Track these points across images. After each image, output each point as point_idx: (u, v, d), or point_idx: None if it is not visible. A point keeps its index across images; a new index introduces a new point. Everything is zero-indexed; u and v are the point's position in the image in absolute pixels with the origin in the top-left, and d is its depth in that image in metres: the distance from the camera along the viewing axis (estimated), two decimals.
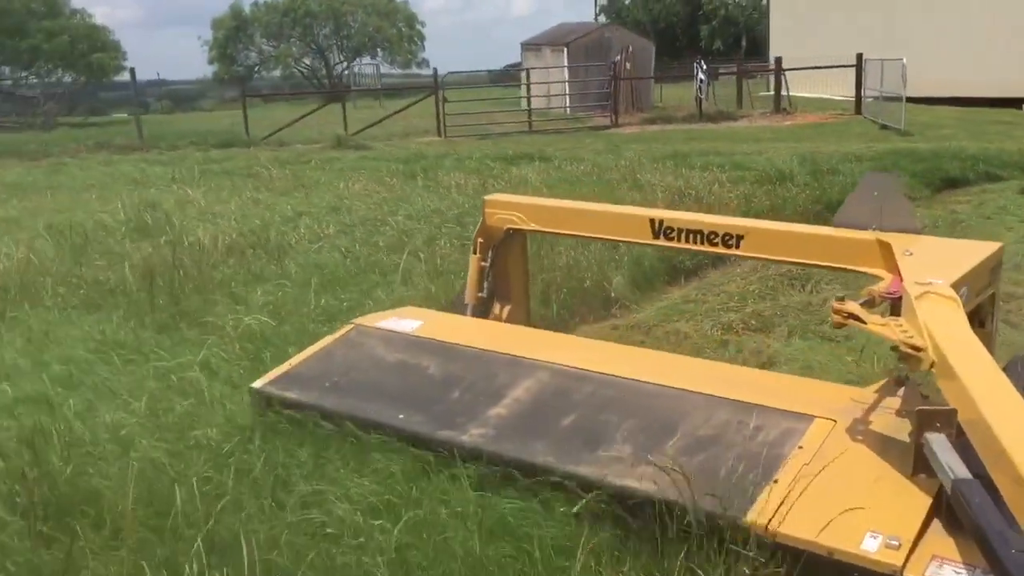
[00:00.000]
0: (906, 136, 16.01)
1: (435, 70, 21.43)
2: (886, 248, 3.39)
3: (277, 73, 56.79)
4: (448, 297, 5.18)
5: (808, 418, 2.97)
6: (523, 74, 26.00)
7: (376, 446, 3.28)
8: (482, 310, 4.45)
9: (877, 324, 2.79)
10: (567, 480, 2.85)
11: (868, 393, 3.13)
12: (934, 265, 3.15)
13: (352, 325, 4.14)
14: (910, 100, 17.72)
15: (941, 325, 2.70)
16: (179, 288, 5.76)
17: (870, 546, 2.36)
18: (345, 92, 23.94)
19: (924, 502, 2.49)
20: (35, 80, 35.55)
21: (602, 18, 52.17)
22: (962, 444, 2.44)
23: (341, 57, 57.97)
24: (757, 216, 8.45)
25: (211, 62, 54.49)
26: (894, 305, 3.08)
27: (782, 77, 22.17)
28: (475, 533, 2.82)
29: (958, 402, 2.49)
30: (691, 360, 4.05)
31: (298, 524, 3.02)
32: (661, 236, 3.92)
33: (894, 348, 2.72)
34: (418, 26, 58.38)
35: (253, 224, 7.80)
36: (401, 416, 3.36)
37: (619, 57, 23.91)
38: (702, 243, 3.84)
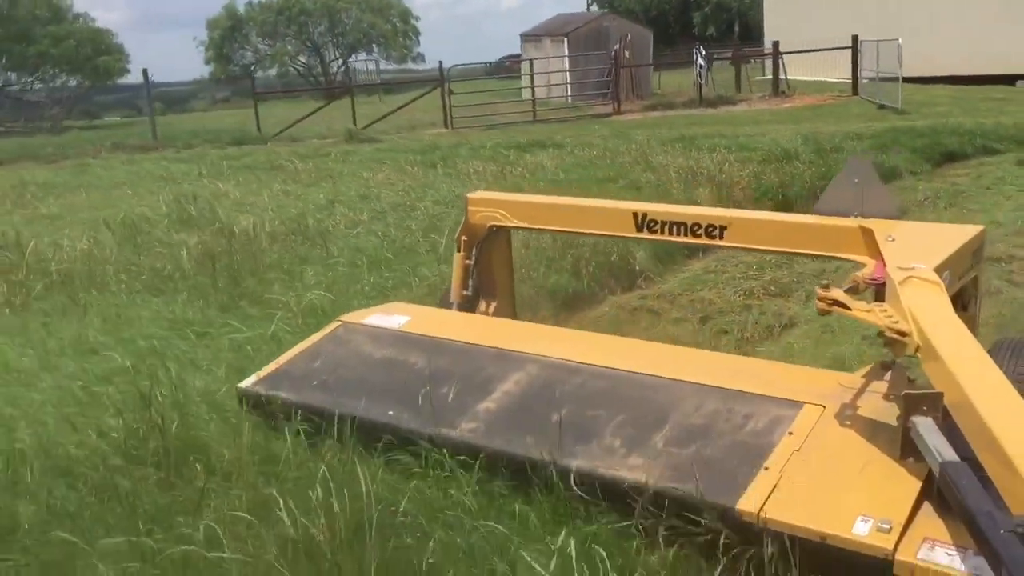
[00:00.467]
0: (903, 115, 16.39)
1: (440, 63, 21.84)
2: (868, 234, 3.40)
3: (273, 72, 57.05)
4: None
5: (797, 404, 2.97)
6: (524, 65, 26.34)
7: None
8: (468, 308, 4.43)
9: (862, 310, 2.81)
10: (558, 473, 2.85)
11: (856, 378, 3.14)
12: (916, 250, 3.16)
13: (339, 322, 4.12)
14: (905, 80, 18.10)
15: (925, 309, 2.72)
16: (236, 271, 6.16)
17: (861, 530, 2.37)
18: (351, 88, 24.14)
19: (914, 485, 2.50)
20: (39, 85, 35.81)
21: (594, 8, 52.41)
22: (949, 426, 2.47)
23: (337, 54, 58.25)
24: (767, 193, 8.91)
25: (208, 62, 54.74)
26: (878, 291, 3.10)
27: (780, 61, 22.52)
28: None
29: (944, 385, 2.51)
30: (680, 349, 4.07)
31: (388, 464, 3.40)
32: (644, 229, 3.92)
33: (879, 334, 2.76)
34: (412, 21, 58.63)
35: (290, 213, 8.20)
36: (390, 412, 3.34)
37: (618, 46, 24.26)
38: (686, 235, 3.83)
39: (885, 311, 2.78)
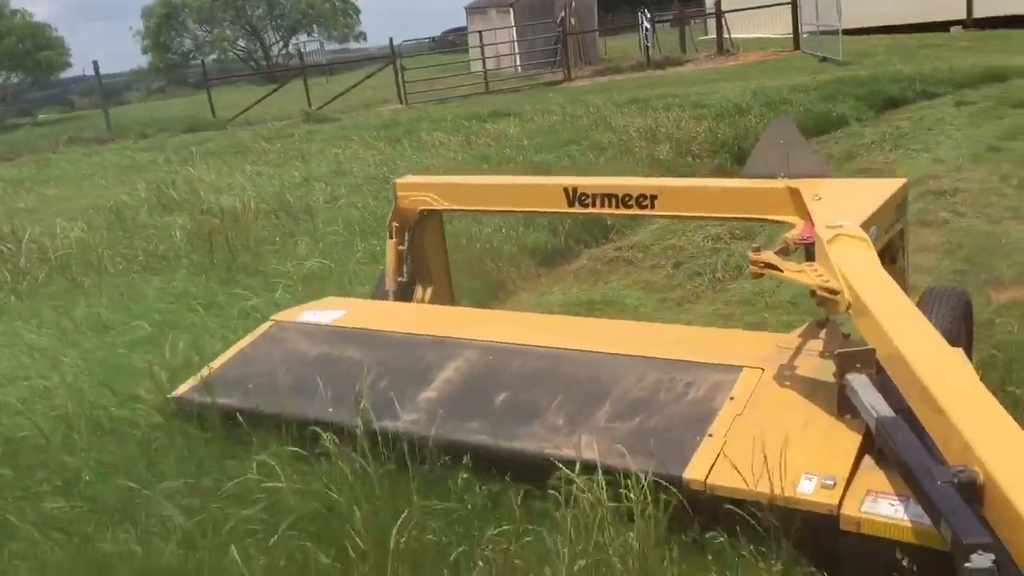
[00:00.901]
0: (845, 66, 16.91)
1: (391, 40, 22.01)
2: (796, 194, 3.40)
3: (212, 58, 56.22)
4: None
5: (736, 369, 2.99)
6: (473, 37, 26.49)
7: None
8: (404, 295, 4.40)
9: (793, 271, 2.83)
10: (504, 456, 2.84)
11: (792, 338, 3.17)
12: (842, 207, 3.18)
13: (270, 322, 4.04)
14: (844, 32, 18.62)
15: (853, 267, 2.75)
16: (231, 247, 6.41)
17: (806, 488, 2.40)
18: (304, 70, 24.10)
19: (854, 440, 2.54)
20: None
21: None
22: (883, 380, 2.51)
23: (277, 37, 57.56)
24: (723, 146, 9.35)
25: (145, 51, 53.75)
26: (808, 250, 3.12)
27: (723, 20, 22.98)
28: None
29: (875, 340, 2.55)
30: (617, 323, 4.10)
31: None
32: (576, 203, 3.90)
33: (812, 293, 2.79)
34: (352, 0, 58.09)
35: (268, 192, 8.43)
36: (330, 409, 3.28)
37: (563, 13, 24.52)
38: (617, 206, 3.83)
39: (816, 270, 2.81)
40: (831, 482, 2.40)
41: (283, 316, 4.09)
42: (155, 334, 5.02)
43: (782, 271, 2.81)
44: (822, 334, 3.13)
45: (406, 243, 4.35)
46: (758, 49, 23.21)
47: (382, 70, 22.49)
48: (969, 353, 3.23)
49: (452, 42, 44.89)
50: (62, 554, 3.00)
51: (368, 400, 3.22)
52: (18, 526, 3.16)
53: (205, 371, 3.75)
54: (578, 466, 2.68)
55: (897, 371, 2.43)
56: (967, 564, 1.83)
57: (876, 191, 3.47)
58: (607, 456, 2.70)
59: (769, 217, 3.55)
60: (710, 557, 2.45)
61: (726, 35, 23.06)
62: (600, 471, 2.63)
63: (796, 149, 3.61)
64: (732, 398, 2.86)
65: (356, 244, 6.27)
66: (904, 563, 2.20)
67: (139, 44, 53.81)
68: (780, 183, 3.50)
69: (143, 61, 55.06)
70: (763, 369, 2.97)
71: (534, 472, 2.75)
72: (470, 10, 28.35)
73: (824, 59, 18.64)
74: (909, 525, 2.23)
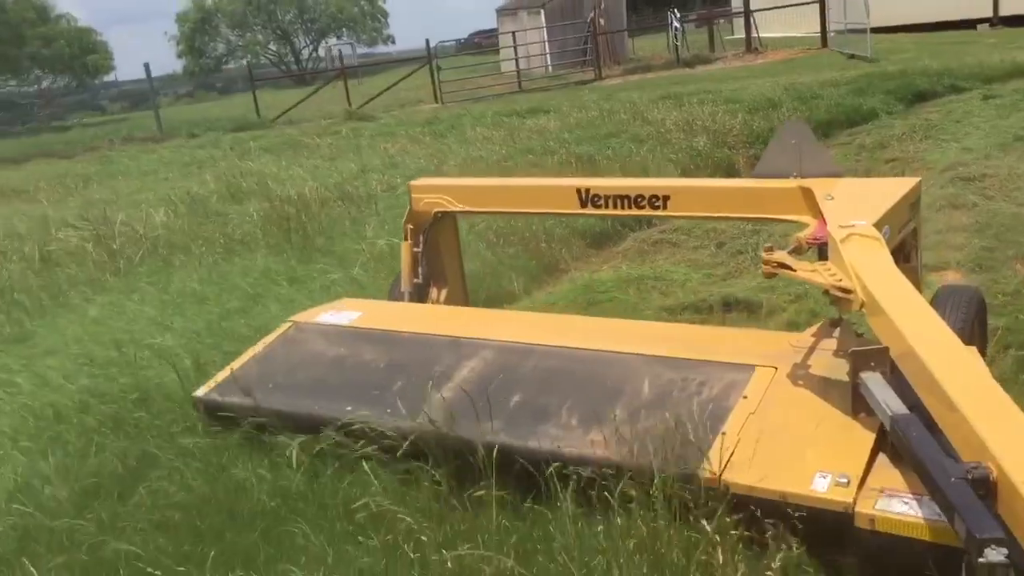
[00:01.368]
0: (873, 62, 17.24)
1: (427, 41, 22.59)
2: (808, 194, 3.40)
3: (244, 62, 57.22)
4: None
5: (749, 368, 3.00)
6: (504, 38, 27.02)
7: None
8: (419, 296, 4.44)
9: (806, 271, 2.83)
10: (520, 455, 2.85)
11: (805, 337, 3.18)
12: (855, 207, 3.18)
13: (290, 323, 4.09)
14: (871, 30, 18.94)
15: (867, 266, 2.75)
16: (304, 230, 6.94)
17: (820, 486, 2.41)
18: (344, 71, 24.78)
19: (868, 438, 2.55)
20: (28, 87, 36.11)
21: None
22: (897, 378, 2.52)
23: (307, 40, 58.53)
24: (759, 138, 9.76)
25: (180, 56, 54.87)
26: (821, 250, 3.12)
27: (751, 19, 23.32)
28: None
29: (889, 339, 2.55)
30: (630, 323, 4.11)
31: None
32: (589, 205, 3.92)
33: (825, 292, 2.80)
34: (380, 3, 58.90)
35: (329, 182, 8.97)
36: (348, 409, 3.29)
37: (593, 13, 24.97)
38: (630, 207, 3.83)
39: (829, 270, 2.81)
40: (845, 480, 2.41)
41: (301, 317, 4.13)
42: (248, 305, 5.56)
43: (795, 271, 2.81)
44: (835, 333, 3.15)
45: (421, 245, 4.39)
46: (785, 48, 23.54)
47: (418, 71, 23.04)
48: (983, 350, 3.24)
49: (478, 44, 45.51)
50: (202, 479, 3.44)
51: (386, 400, 3.30)
52: (160, 457, 3.63)
53: (226, 371, 3.78)
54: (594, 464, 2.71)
55: (911, 369, 2.43)
56: (981, 559, 1.84)
57: (889, 190, 3.47)
58: (623, 455, 2.71)
59: (782, 217, 3.56)
60: (721, 554, 2.47)
61: (754, 34, 23.40)
62: (615, 469, 2.67)
63: (808, 149, 3.62)
64: (745, 397, 2.86)
65: None
66: (918, 560, 2.23)
67: (173, 49, 54.92)
68: (792, 183, 3.50)
69: (168, 66, 56.07)
70: (776, 368, 2.97)
71: (550, 470, 2.77)
72: (501, 12, 28.90)
73: (852, 56, 18.96)
74: (923, 523, 2.25)
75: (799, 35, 24.92)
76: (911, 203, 3.54)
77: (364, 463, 3.18)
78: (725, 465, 2.58)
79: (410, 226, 4.37)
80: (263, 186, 8.86)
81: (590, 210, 3.94)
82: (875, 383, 2.50)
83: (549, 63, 25.81)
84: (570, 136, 10.62)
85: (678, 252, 6.72)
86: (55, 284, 6.30)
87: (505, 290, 5.87)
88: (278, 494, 3.29)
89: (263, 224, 7.31)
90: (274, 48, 57.62)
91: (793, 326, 4.69)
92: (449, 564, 2.62)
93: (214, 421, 3.64)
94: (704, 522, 2.50)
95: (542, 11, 25.83)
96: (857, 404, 2.59)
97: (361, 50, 56.76)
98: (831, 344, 3.08)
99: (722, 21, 30.13)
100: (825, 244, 3.05)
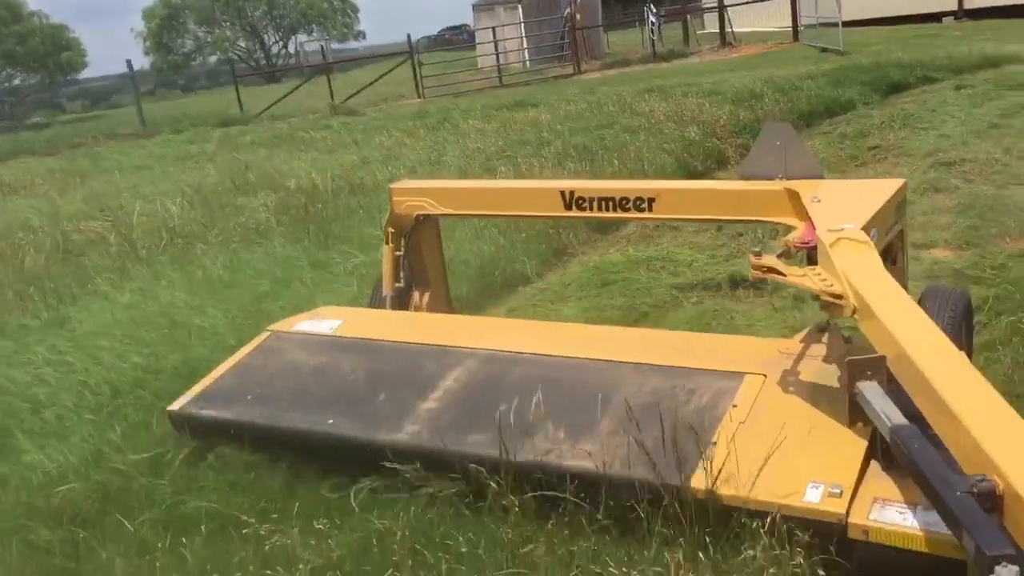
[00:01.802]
0: (845, 55, 17.70)
1: (408, 36, 22.74)
2: (794, 196, 3.37)
3: (213, 59, 56.94)
4: None
5: (739, 375, 2.96)
6: (480, 33, 27.26)
7: None
8: (401, 300, 4.38)
9: (796, 275, 2.79)
10: (508, 468, 2.79)
11: (794, 344, 3.16)
12: (843, 209, 3.15)
13: (268, 332, 3.98)
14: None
15: (858, 270, 2.71)
16: (320, 218, 7.17)
17: (813, 497, 2.38)
18: (328, 67, 24.88)
19: (860, 446, 2.51)
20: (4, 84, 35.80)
21: None
22: (892, 385, 2.48)
23: (277, 36, 58.30)
24: (746, 128, 10.12)
25: (147, 53, 54.39)
26: (810, 254, 3.05)
27: (725, 13, 23.77)
28: None
29: (883, 346, 2.51)
30: (618, 330, 4.10)
31: None
32: (573, 207, 3.88)
33: (815, 298, 2.77)
34: None
35: (332, 174, 9.18)
36: (331, 421, 3.23)
37: (569, 9, 25.29)
38: (615, 209, 3.79)
39: (819, 274, 2.77)
40: (838, 490, 2.38)
41: (280, 326, 4.03)
42: (277, 288, 5.79)
43: (785, 275, 2.79)
44: (823, 339, 3.14)
45: (403, 248, 4.33)
46: (759, 42, 24.00)
47: (400, 65, 23.20)
48: (969, 355, 3.19)
49: (449, 40, 45.70)
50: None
51: (369, 411, 3.24)
52: None
53: (202, 384, 3.68)
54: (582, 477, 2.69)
55: (908, 377, 2.40)
56: None
57: (875, 192, 3.45)
58: (611, 466, 2.68)
59: (768, 219, 3.55)
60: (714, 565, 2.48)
61: (728, 29, 23.86)
62: (604, 481, 2.65)
63: (793, 151, 3.60)
64: (735, 405, 2.83)
65: None
66: (912, 571, 2.24)
67: (139, 45, 54.41)
68: (778, 185, 3.48)
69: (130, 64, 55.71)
70: (765, 375, 2.95)
71: (539, 482, 2.74)
72: (477, 7, 29.12)
73: (824, 49, 19.42)
74: (918, 533, 2.23)
75: (769, 29, 25.42)
76: (897, 205, 3.53)
77: None
78: (717, 476, 2.54)
79: (391, 229, 4.31)
80: (269, 178, 9.06)
81: (574, 212, 3.92)
82: (873, 392, 2.45)
83: (527, 58, 26.10)
84: (563, 127, 10.91)
85: (680, 235, 7.03)
86: (81, 272, 6.48)
87: (519, 273, 6.14)
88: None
89: (276, 213, 7.52)
90: (243, 44, 57.34)
91: (799, 300, 5.01)
92: None
93: (190, 436, 3.53)
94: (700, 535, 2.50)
95: (520, 6, 26.11)
96: (854, 415, 2.54)
97: (332, 46, 56.73)
98: (820, 350, 3.08)
99: (690, 17, 30.63)
100: (814, 248, 2.99)
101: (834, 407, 2.66)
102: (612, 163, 8.02)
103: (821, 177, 3.60)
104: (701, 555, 2.47)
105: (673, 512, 2.55)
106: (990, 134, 8.87)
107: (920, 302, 3.14)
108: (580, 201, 3.87)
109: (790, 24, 23.04)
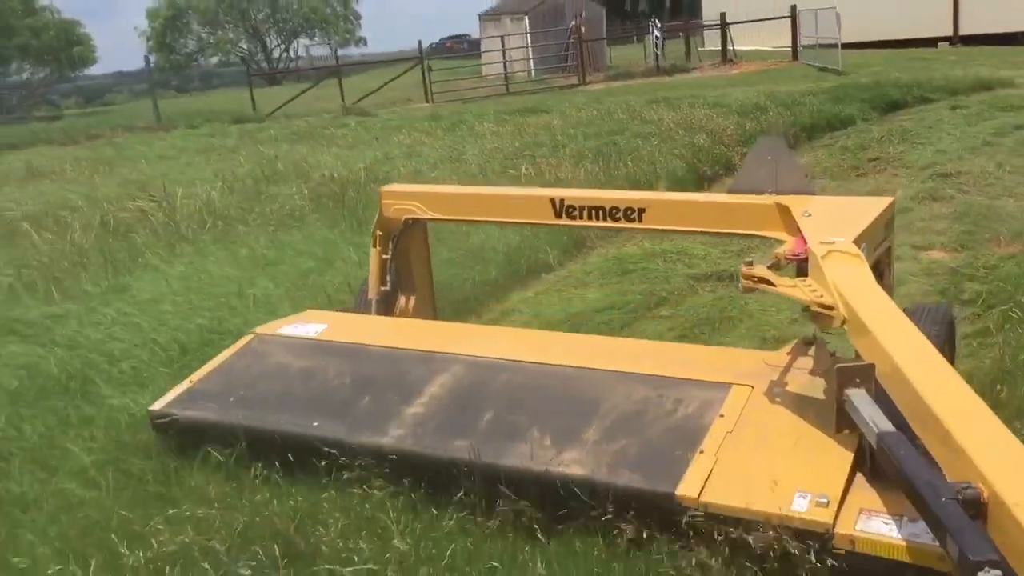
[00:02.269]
0: (844, 75, 18.26)
1: (419, 43, 23.30)
2: (785, 211, 3.40)
3: (215, 60, 57.37)
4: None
5: (725, 386, 2.97)
6: (489, 41, 27.80)
7: None
8: (387, 304, 4.39)
9: (787, 286, 2.81)
10: (491, 474, 2.81)
11: (781, 356, 3.18)
12: (834, 224, 3.19)
13: (252, 335, 3.96)
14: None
15: (849, 282, 2.73)
16: (353, 205, 7.58)
17: (800, 507, 2.39)
18: (339, 69, 25.35)
19: (846, 457, 2.53)
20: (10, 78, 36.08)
21: None
22: (878, 394, 2.49)
23: (279, 40, 58.76)
24: (751, 138, 10.59)
25: (150, 52, 54.62)
26: (799, 266, 3.09)
27: (727, 31, 24.36)
28: None
29: (872, 356, 2.53)
30: (604, 339, 4.13)
31: None
32: (563, 215, 3.87)
33: (805, 309, 2.77)
34: (353, 5, 59.37)
35: (358, 166, 9.60)
36: (315, 424, 3.23)
37: (575, 21, 25.85)
38: (605, 219, 3.79)
39: (809, 286, 2.80)
40: (824, 500, 2.41)
41: (264, 329, 4.02)
42: (321, 266, 6.20)
43: (776, 286, 2.82)
44: (810, 351, 3.17)
45: (390, 252, 4.34)
46: (759, 60, 24.59)
47: (410, 70, 23.68)
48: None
49: (450, 48, 46.26)
50: None
51: (354, 415, 3.25)
52: None
53: (185, 384, 3.68)
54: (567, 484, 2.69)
55: (896, 387, 2.42)
56: None
57: (865, 209, 3.50)
58: (597, 473, 2.70)
59: (757, 233, 3.56)
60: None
61: (729, 46, 24.44)
62: (590, 488, 2.67)
63: (784, 166, 3.64)
64: (722, 415, 2.85)
65: None
66: None
67: (143, 45, 54.72)
68: (769, 199, 3.52)
69: (130, 63, 56.02)
70: (752, 386, 2.98)
71: (522, 489, 2.76)
72: (484, 17, 29.68)
73: (823, 69, 19.99)
74: (903, 544, 2.26)
75: (769, 48, 26.02)
76: (886, 222, 3.57)
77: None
78: (703, 485, 2.56)
79: (379, 232, 4.32)
80: (299, 168, 9.47)
81: (564, 221, 3.91)
82: (861, 400, 2.47)
83: (532, 68, 26.63)
84: (576, 132, 11.36)
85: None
86: (131, 246, 6.87)
87: (542, 261, 6.57)
88: None
89: (311, 200, 7.93)
90: (245, 47, 57.76)
91: None
92: None
93: (171, 437, 3.52)
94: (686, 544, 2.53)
95: (527, 17, 26.66)
96: (841, 421, 2.55)
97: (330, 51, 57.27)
98: (806, 363, 3.11)
99: (693, 34, 31.27)
100: (804, 260, 3.03)
101: (821, 419, 2.68)
102: (626, 164, 8.47)
103: (812, 193, 3.64)
104: (685, 564, 2.51)
105: (659, 521, 2.58)
106: (984, 150, 9.37)
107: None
108: (570, 209, 3.87)
109: (790, 43, 23.65)
